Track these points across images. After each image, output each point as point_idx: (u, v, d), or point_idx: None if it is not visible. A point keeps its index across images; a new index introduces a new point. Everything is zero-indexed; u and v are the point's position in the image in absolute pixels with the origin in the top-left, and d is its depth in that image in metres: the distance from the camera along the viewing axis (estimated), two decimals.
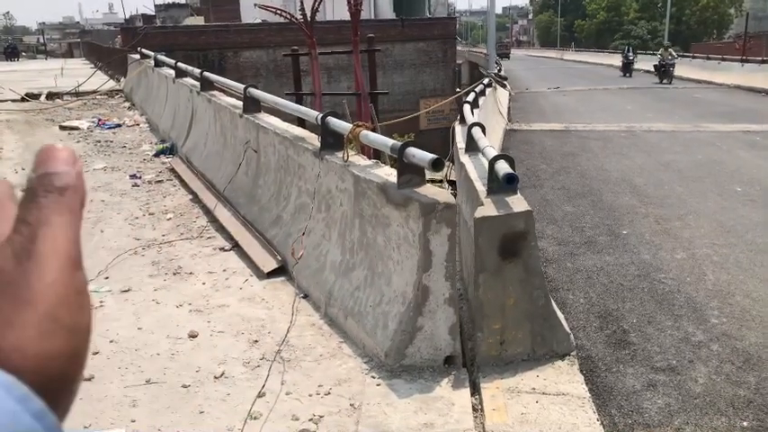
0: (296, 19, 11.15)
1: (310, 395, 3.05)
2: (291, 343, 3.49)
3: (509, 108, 15.92)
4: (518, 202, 3.68)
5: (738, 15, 52.78)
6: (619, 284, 4.94)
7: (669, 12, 38.20)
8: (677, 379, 3.56)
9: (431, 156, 3.47)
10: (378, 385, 3.19)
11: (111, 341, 3.68)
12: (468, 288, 4.01)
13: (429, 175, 9.78)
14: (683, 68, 25.50)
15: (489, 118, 10.81)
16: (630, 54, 30.05)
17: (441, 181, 8.89)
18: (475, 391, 3.30)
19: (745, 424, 3.11)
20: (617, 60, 39.55)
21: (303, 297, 4.09)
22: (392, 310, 3.52)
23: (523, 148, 11.16)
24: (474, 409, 3.08)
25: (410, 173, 3.64)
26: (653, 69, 25.58)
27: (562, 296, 4.79)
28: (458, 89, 23.17)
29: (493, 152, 4.21)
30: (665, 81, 24.27)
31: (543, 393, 3.29)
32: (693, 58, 28.79)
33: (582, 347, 3.97)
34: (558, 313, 3.78)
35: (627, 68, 29.47)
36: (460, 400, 3.15)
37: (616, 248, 5.76)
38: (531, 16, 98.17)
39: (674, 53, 25.39)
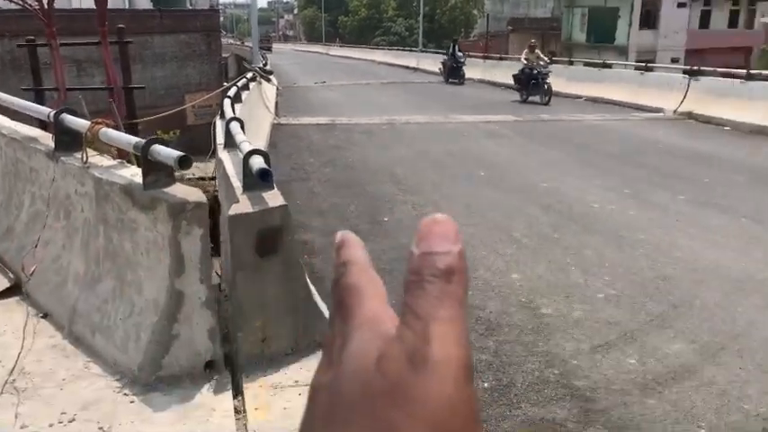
0: (29, 5, 10.00)
1: (51, 425, 2.75)
2: (27, 370, 3.12)
3: (276, 102, 15.94)
4: (274, 198, 3.67)
5: (481, 16, 58.47)
6: (379, 270, 5.12)
7: (423, 10, 41.05)
8: None
9: (177, 153, 3.31)
10: (132, 402, 2.98)
11: None
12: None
13: (202, 172, 9.37)
14: (434, 64, 27.39)
15: (255, 113, 10.72)
16: (460, 54, 23.17)
17: (213, 178, 8.61)
18: (238, 392, 3.24)
19: (486, 385, 3.44)
20: (379, 56, 41.59)
21: (42, 317, 3.68)
22: (145, 320, 3.31)
23: (292, 142, 11.25)
24: (236, 411, 3.02)
25: (157, 172, 3.43)
26: (513, 80, 17.59)
27: (329, 286, 4.88)
28: (225, 83, 22.65)
29: (248, 147, 4.15)
30: (531, 98, 16.68)
31: (307, 385, 3.30)
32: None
33: None
34: (321, 304, 3.86)
35: (455, 73, 22.71)
36: (222, 405, 3.07)
37: (377, 235, 6.04)
38: (296, 11, 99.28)
39: (544, 57, 17.44)
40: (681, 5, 37.00)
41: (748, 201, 7.08)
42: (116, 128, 4.09)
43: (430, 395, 0.29)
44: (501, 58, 25.11)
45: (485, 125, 13.09)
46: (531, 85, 16.63)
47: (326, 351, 0.34)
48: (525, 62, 16.86)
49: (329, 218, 6.68)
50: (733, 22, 40.54)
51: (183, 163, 3.31)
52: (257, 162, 3.78)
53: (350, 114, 14.68)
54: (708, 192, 7.55)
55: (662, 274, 4.91)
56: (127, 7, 26.52)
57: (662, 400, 3.26)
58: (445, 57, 24.08)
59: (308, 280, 3.89)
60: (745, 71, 14.29)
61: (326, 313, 3.86)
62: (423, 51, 35.53)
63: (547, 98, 16.26)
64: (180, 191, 3.39)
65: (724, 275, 4.90)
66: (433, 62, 28.21)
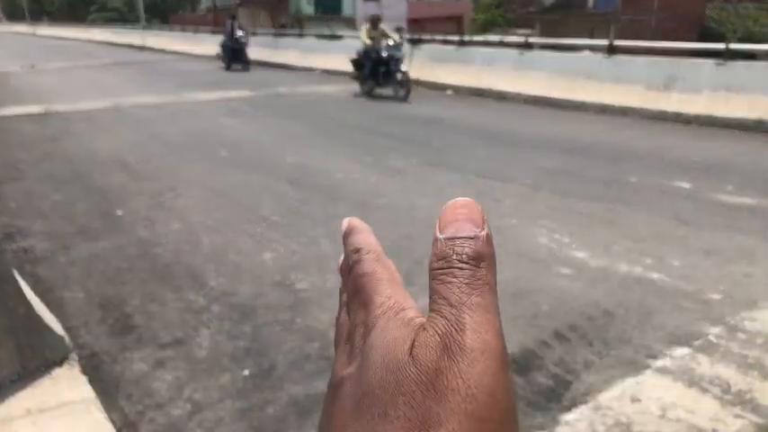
0: None
1: None
2: None
3: None
4: None
5: None
6: (118, 268, 4.71)
7: None
8: (184, 350, 3.56)
9: None
10: None
11: None
12: None
13: None
14: (162, 41, 25.98)
15: None
16: (241, 32, 19.01)
17: None
18: None
19: (246, 372, 3.30)
20: (97, 34, 38.04)
21: None
22: None
23: None
24: None
25: None
26: (352, 67, 13.72)
27: (58, 295, 4.32)
28: None
29: None
30: (381, 90, 13.34)
31: (41, 411, 2.89)
32: (171, 30, 29.71)
33: (85, 345, 3.64)
34: (47, 317, 3.38)
35: (238, 57, 18.79)
36: None
37: (112, 231, 5.49)
38: None
39: (393, 35, 13.09)
40: None
41: (473, 158, 7.80)
42: None
43: (468, 384, 0.27)
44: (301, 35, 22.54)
45: (222, 102, 12.69)
46: (380, 73, 12.88)
47: (346, 340, 0.34)
48: (369, 42, 12.94)
49: (53, 219, 5.91)
50: None
51: None
52: None
53: (68, 101, 13.20)
54: (438, 154, 8.17)
55: (404, 233, 5.17)
56: None
57: None
58: (223, 37, 19.42)
59: (27, 293, 3.36)
60: (458, 37, 15.72)
61: (56, 326, 3.39)
62: (147, 28, 33.37)
63: (404, 91, 12.62)
64: None
65: None
66: (157, 39, 26.56)
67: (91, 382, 3.20)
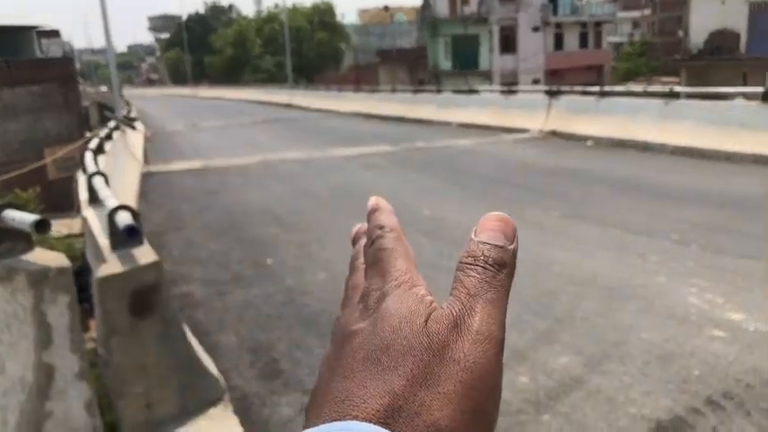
0: None
1: None
2: None
3: (145, 150, 15.35)
4: (145, 254, 3.45)
5: (348, 49, 59.65)
6: (267, 315, 5.01)
7: (289, 46, 41.25)
8: None
9: (32, 217, 3.03)
10: None
11: None
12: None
13: (69, 228, 8.61)
14: (308, 99, 27.56)
15: (121, 163, 10.21)
16: None
17: (82, 234, 8.05)
18: None
19: None
20: (250, 94, 41.09)
21: None
22: (11, 401, 2.99)
23: (164, 190, 10.82)
24: None
25: (12, 239, 3.13)
26: None
27: (214, 339, 4.67)
28: (88, 132, 21.59)
29: (113, 203, 3.91)
30: None
31: None
32: (316, 89, 31.53)
33: (236, 387, 3.91)
34: (205, 359, 3.66)
35: None
36: None
37: (262, 280, 5.86)
38: (158, 54, 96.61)
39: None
40: (535, 30, 39.66)
41: (615, 211, 7.55)
42: None
43: (468, 359, 0.33)
44: (373, 90, 24.87)
45: (363, 157, 13.22)
46: None
47: (360, 300, 0.38)
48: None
49: (210, 266, 6.42)
50: (584, 43, 43.94)
51: (41, 227, 3.03)
52: (124, 218, 3.56)
53: (224, 156, 14.36)
54: (578, 206, 7.99)
55: (544, 289, 5.09)
56: None
57: (555, 415, 3.34)
58: None
59: (189, 336, 3.68)
60: (598, 88, 15.37)
61: (212, 368, 3.67)
62: (294, 88, 35.68)
63: None
64: (40, 257, 3.11)
65: (601, 285, 5.15)
66: (303, 98, 28.17)
67: (242, 423, 3.43)
